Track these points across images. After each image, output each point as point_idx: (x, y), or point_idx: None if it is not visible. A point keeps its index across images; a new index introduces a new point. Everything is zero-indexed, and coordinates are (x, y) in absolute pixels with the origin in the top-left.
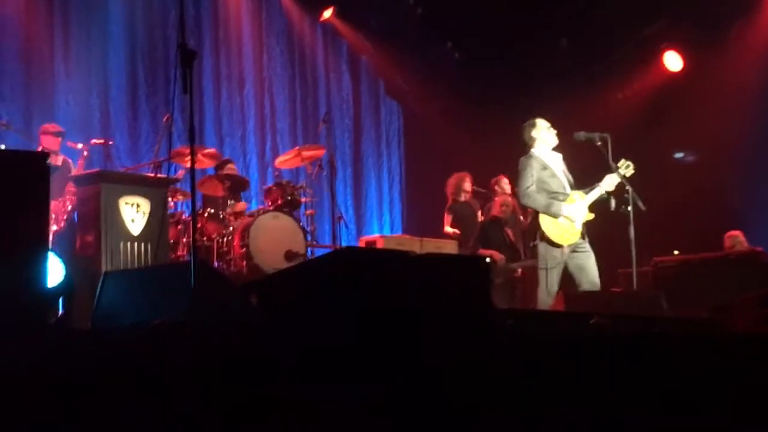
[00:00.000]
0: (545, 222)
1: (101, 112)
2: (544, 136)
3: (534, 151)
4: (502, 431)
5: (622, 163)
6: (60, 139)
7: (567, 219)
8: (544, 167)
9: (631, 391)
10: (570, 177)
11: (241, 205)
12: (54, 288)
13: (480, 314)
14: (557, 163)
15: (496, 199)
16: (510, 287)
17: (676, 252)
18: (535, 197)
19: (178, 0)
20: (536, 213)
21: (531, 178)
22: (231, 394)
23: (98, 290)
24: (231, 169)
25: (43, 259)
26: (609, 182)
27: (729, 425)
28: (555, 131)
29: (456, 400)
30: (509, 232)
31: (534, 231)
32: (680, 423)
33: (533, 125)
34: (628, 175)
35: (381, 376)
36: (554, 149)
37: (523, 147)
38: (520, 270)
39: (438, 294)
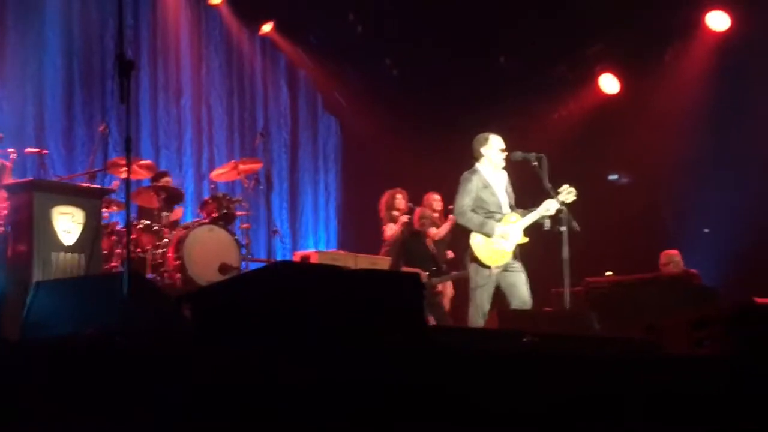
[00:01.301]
0: (476, 242)
1: (36, 120)
2: (492, 155)
3: (478, 166)
4: None
5: (564, 188)
6: None
7: (500, 238)
8: (486, 185)
9: (561, 409)
10: (512, 197)
11: (177, 212)
12: None
13: (413, 331)
14: (500, 182)
15: (416, 210)
16: (435, 303)
17: (608, 273)
18: (469, 216)
19: (117, 9)
20: (468, 231)
21: (469, 195)
22: (162, 407)
23: (29, 300)
24: (167, 182)
25: None
26: (547, 207)
27: None
28: (505, 153)
29: (388, 416)
30: (430, 244)
31: (460, 244)
32: None
33: (485, 140)
34: (568, 201)
35: (313, 391)
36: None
37: (470, 157)
38: (444, 286)
39: (371, 309)
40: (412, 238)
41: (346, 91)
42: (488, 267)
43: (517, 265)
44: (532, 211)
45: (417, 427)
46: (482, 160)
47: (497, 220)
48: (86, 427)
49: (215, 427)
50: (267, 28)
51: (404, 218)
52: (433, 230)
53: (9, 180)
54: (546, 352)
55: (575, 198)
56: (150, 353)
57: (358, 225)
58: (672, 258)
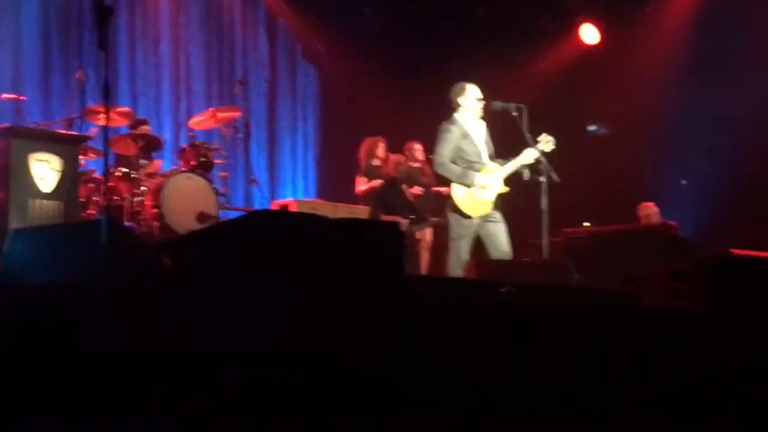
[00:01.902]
0: (456, 192)
1: (12, 67)
2: (470, 105)
3: (457, 116)
4: (415, 401)
5: (543, 137)
6: None
7: (480, 188)
8: (465, 135)
9: (539, 361)
10: (491, 147)
11: (156, 164)
12: None
13: (393, 280)
14: (479, 132)
15: (391, 157)
16: (414, 252)
17: (586, 224)
18: (449, 166)
19: None
20: (449, 182)
21: (448, 145)
22: (141, 358)
23: (6, 247)
24: (145, 129)
25: None
26: (526, 156)
27: (637, 399)
28: (483, 103)
29: (369, 368)
30: (407, 191)
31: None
32: (588, 395)
33: (462, 90)
34: (547, 150)
35: (293, 343)
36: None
37: (447, 108)
38: (423, 233)
39: (351, 259)
40: (390, 186)
41: (326, 39)
42: (469, 217)
43: (498, 216)
44: (510, 161)
45: (395, 378)
46: (460, 109)
47: (477, 170)
48: (64, 377)
49: (193, 379)
50: None
51: (376, 182)
52: (417, 189)
53: None
54: (523, 303)
55: (554, 147)
56: (129, 301)
57: (337, 174)
58: (650, 210)
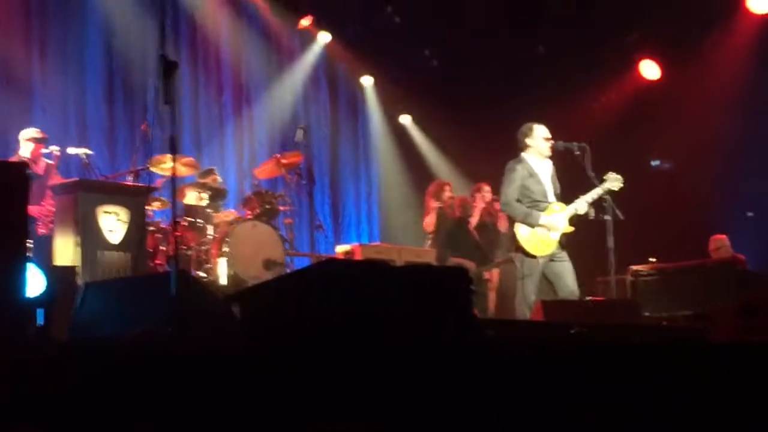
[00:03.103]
0: (521, 232)
1: (78, 120)
2: (538, 144)
3: (524, 155)
4: None
5: (610, 176)
6: (43, 144)
7: (544, 229)
8: (531, 174)
9: (611, 400)
10: (557, 186)
11: (227, 215)
12: (34, 298)
13: (462, 325)
14: (546, 171)
15: (457, 199)
16: (482, 293)
17: (652, 259)
18: (514, 206)
19: (158, 9)
20: (513, 221)
21: (514, 184)
22: (215, 405)
23: (78, 301)
24: (214, 179)
25: (22, 270)
26: (591, 195)
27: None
28: (551, 143)
29: (439, 412)
30: (474, 232)
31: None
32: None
33: (530, 130)
34: (615, 189)
35: (364, 390)
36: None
37: (514, 149)
38: (491, 273)
39: (419, 305)
40: (456, 227)
41: (386, 82)
42: (534, 257)
43: (563, 255)
44: (576, 201)
45: (466, 422)
46: (528, 150)
47: (542, 210)
48: (135, 428)
49: (265, 427)
50: (305, 22)
51: (440, 204)
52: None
53: (55, 179)
54: (594, 343)
55: (622, 186)
56: (200, 353)
57: (401, 217)
58: (722, 242)
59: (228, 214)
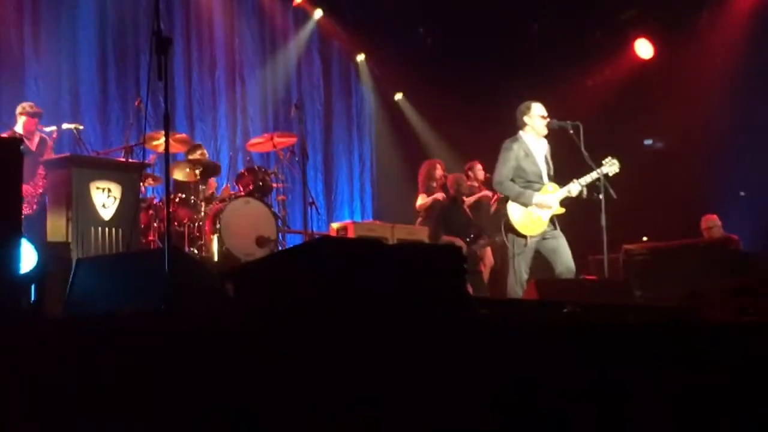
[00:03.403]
0: (512, 210)
1: (71, 95)
2: (535, 123)
3: (521, 134)
4: (479, 423)
5: (608, 160)
6: (37, 119)
7: (536, 208)
8: (527, 153)
9: (604, 380)
10: (551, 166)
11: (211, 184)
12: (26, 274)
13: (455, 304)
14: (541, 151)
15: (449, 177)
16: (474, 271)
17: (644, 239)
18: (507, 185)
19: None
20: (505, 200)
21: (509, 164)
22: (208, 385)
23: (71, 277)
24: (202, 154)
25: (16, 245)
26: (587, 179)
27: (703, 415)
28: (547, 120)
29: (432, 392)
30: (467, 210)
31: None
32: (653, 413)
33: (528, 109)
34: (611, 173)
35: (356, 369)
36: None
37: (508, 128)
38: (484, 251)
39: (412, 284)
40: (450, 205)
41: (379, 60)
42: (524, 236)
43: (556, 232)
44: (570, 184)
45: (459, 402)
46: (525, 128)
47: (536, 190)
48: (130, 406)
49: (259, 406)
50: None
51: (439, 195)
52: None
53: (48, 156)
54: (588, 322)
55: (618, 170)
56: (193, 330)
57: (394, 194)
58: (713, 222)
59: (211, 184)
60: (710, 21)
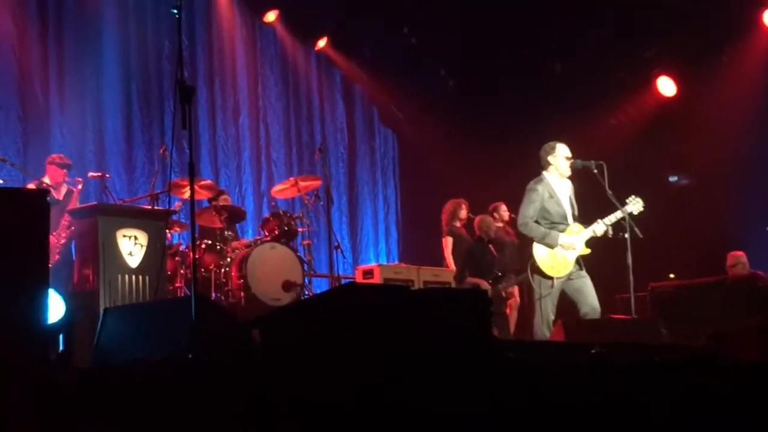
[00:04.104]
0: (538, 252)
1: (96, 144)
2: (559, 163)
3: (545, 174)
4: None
5: (632, 199)
6: (65, 171)
7: (562, 248)
8: (551, 195)
9: (633, 421)
10: (575, 207)
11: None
12: (54, 324)
13: (482, 348)
14: (565, 191)
15: (476, 218)
16: (499, 312)
17: (671, 276)
18: (532, 226)
19: (172, 33)
20: (531, 242)
21: (533, 205)
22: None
23: (98, 326)
24: (225, 200)
25: (44, 296)
26: (611, 218)
27: None
28: (571, 161)
29: None
30: (493, 250)
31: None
32: None
33: (552, 149)
34: (636, 212)
35: (384, 414)
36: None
37: (532, 168)
38: (510, 291)
39: (439, 329)
40: (476, 246)
41: (402, 103)
42: (550, 278)
43: (581, 272)
44: (594, 224)
45: None
46: (549, 168)
47: (561, 231)
48: None
49: None
50: (321, 43)
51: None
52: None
53: (74, 206)
54: (615, 363)
55: (642, 209)
56: (221, 377)
57: (418, 236)
58: (739, 259)
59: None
60: (733, 57)
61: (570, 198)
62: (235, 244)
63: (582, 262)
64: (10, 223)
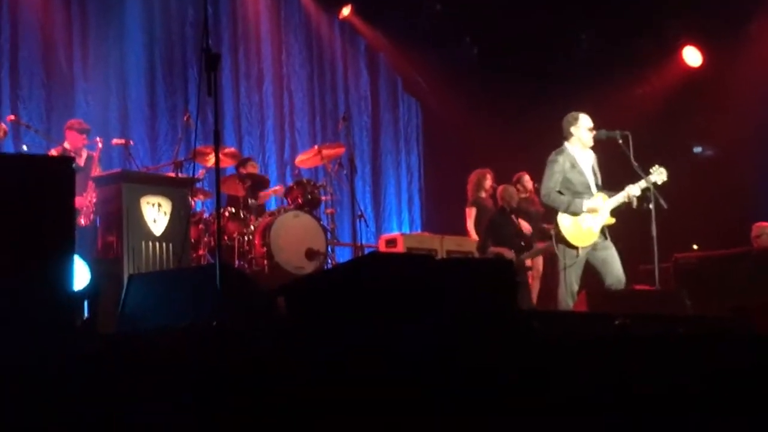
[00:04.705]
0: (563, 222)
1: (120, 111)
2: (582, 134)
3: (567, 145)
4: None
5: (655, 169)
6: (85, 136)
7: (588, 214)
8: (573, 165)
9: (655, 393)
10: (599, 177)
11: (263, 196)
12: (79, 291)
13: (506, 318)
14: (588, 162)
15: (498, 188)
16: (524, 282)
17: (695, 246)
18: (555, 197)
19: (198, 2)
20: (555, 212)
21: (556, 176)
22: (260, 399)
23: (123, 293)
24: (252, 167)
25: (69, 263)
26: (628, 192)
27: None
28: (593, 133)
29: (485, 404)
30: (518, 219)
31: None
32: (704, 424)
33: (575, 120)
34: (659, 182)
35: (407, 381)
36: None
37: (555, 139)
38: (534, 261)
39: (463, 298)
40: (499, 216)
41: (427, 72)
42: (575, 247)
43: (607, 243)
44: (619, 193)
45: (510, 414)
46: (571, 139)
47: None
48: (183, 420)
49: (312, 417)
50: (345, 11)
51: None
52: (526, 226)
53: (96, 171)
54: (638, 335)
55: (666, 179)
56: (246, 346)
57: (442, 205)
58: (764, 230)
59: (275, 190)
60: (760, 27)
61: (593, 168)
62: (262, 194)
63: (607, 232)
64: (36, 191)
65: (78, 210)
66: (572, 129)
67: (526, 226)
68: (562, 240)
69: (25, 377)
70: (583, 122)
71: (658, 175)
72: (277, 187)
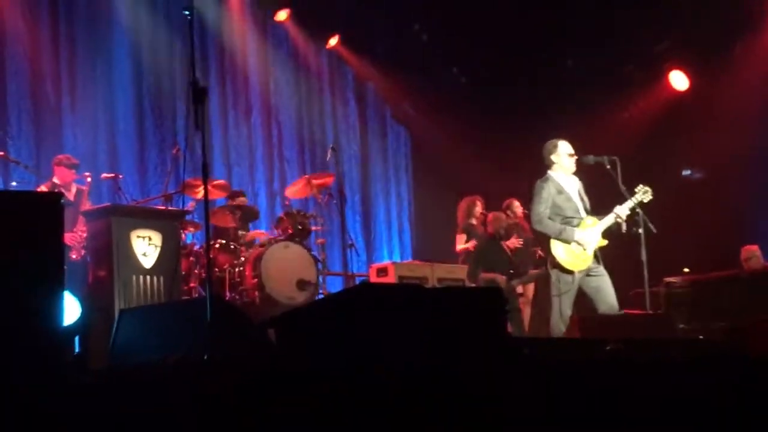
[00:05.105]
0: (556, 248)
1: (108, 145)
2: (563, 161)
3: (551, 173)
4: None
5: (640, 188)
6: (74, 170)
7: (579, 244)
8: (560, 191)
9: (648, 418)
10: (586, 201)
11: (254, 233)
12: (70, 326)
13: (497, 345)
14: (573, 187)
15: (489, 215)
16: (514, 308)
17: (686, 270)
18: (547, 223)
19: (184, 33)
20: (548, 238)
21: (545, 202)
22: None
23: (114, 328)
24: (242, 201)
25: (59, 298)
26: (622, 208)
27: None
28: (575, 158)
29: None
30: (508, 246)
31: (543, 245)
32: None
33: (554, 147)
34: (646, 201)
35: (401, 413)
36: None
37: (543, 165)
38: (525, 287)
39: (454, 327)
40: (489, 243)
41: (414, 100)
42: (571, 272)
43: (600, 269)
44: (608, 215)
45: None
46: (554, 166)
47: (575, 225)
48: None
49: None
50: (333, 41)
51: (470, 245)
52: (515, 241)
53: (86, 205)
54: (630, 359)
55: (652, 198)
56: (237, 378)
57: (432, 233)
58: (753, 253)
59: (257, 233)
60: (744, 51)
61: (580, 193)
62: (250, 234)
63: (600, 256)
64: (26, 227)
65: (68, 245)
66: (552, 157)
67: (514, 242)
68: (557, 266)
69: (16, 413)
70: (562, 149)
71: (644, 194)
72: (260, 231)
